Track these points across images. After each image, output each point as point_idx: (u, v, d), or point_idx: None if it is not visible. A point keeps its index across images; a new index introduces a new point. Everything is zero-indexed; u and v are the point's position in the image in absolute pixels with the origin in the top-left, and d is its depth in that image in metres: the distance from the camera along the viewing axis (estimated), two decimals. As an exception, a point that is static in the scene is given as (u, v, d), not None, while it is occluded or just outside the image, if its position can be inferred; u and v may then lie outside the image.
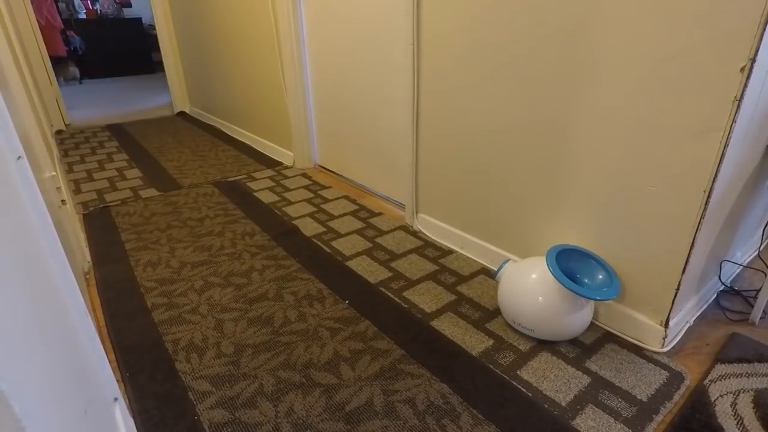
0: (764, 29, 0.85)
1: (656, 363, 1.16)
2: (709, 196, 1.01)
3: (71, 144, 3.23)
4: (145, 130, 3.59)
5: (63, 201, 1.56)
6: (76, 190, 2.37)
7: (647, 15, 1.00)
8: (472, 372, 1.14)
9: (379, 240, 1.81)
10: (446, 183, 1.70)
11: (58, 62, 5.23)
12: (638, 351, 1.21)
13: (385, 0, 1.78)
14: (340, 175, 2.49)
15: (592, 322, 1.28)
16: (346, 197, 2.23)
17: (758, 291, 1.32)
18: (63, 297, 0.72)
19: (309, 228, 1.92)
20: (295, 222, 1.97)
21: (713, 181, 0.99)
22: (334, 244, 1.78)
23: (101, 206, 2.15)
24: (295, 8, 2.27)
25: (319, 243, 1.79)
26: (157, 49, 4.03)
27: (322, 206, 2.13)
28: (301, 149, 2.61)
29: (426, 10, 1.54)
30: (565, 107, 1.23)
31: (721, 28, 0.90)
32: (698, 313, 1.34)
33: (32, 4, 3.39)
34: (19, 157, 0.64)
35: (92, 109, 4.40)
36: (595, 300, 1.19)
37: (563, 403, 1.05)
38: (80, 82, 5.92)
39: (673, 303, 1.14)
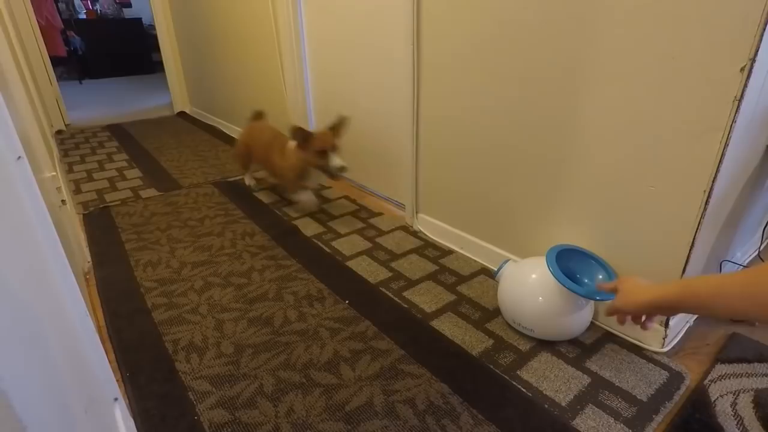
0: (764, 29, 0.85)
1: (656, 363, 1.16)
2: (709, 196, 1.01)
3: (71, 144, 3.23)
4: (145, 130, 3.59)
5: (63, 201, 1.56)
6: (76, 190, 2.37)
7: (647, 15, 1.00)
8: (472, 372, 1.14)
9: (379, 240, 1.81)
10: (446, 183, 1.70)
11: (58, 62, 5.23)
12: (638, 351, 1.21)
13: (386, 1, 1.78)
14: (340, 175, 2.49)
15: (592, 322, 1.28)
16: (346, 197, 2.23)
17: (758, 291, 1.31)
18: (63, 297, 0.72)
19: (309, 228, 1.92)
20: (295, 222, 1.97)
21: (713, 181, 0.99)
22: (334, 244, 1.78)
23: (101, 206, 2.15)
24: (294, 8, 2.26)
25: (319, 243, 1.79)
26: (157, 49, 4.03)
27: (322, 206, 2.13)
28: (301, 149, 2.61)
29: (426, 10, 1.54)
30: (564, 107, 1.23)
31: (721, 28, 0.90)
32: (698, 313, 1.34)
33: (32, 4, 3.39)
34: (19, 157, 0.64)
35: (92, 109, 4.40)
36: (595, 300, 1.19)
37: (563, 403, 1.05)
38: (80, 82, 5.92)
39: (673, 303, 1.14)
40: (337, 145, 1.83)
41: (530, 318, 1.22)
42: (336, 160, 1.77)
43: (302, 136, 1.78)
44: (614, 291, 0.94)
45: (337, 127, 1.85)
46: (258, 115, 2.35)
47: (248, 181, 2.39)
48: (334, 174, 1.81)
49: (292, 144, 1.87)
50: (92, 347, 0.80)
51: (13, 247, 0.54)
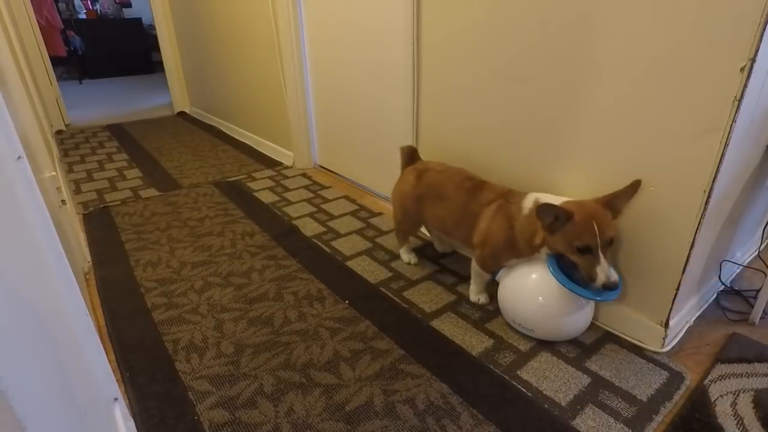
0: (764, 29, 0.85)
1: (656, 363, 1.16)
2: (709, 196, 1.01)
3: (71, 144, 3.23)
4: (145, 130, 3.59)
5: (63, 201, 1.56)
6: (76, 190, 2.37)
7: (647, 15, 1.00)
8: (472, 372, 1.14)
9: (379, 240, 1.81)
10: (446, 183, 1.70)
11: (58, 62, 5.23)
12: (638, 351, 1.21)
13: (385, 1, 1.78)
14: (340, 175, 2.49)
15: (592, 322, 1.28)
16: (346, 197, 2.23)
17: (758, 291, 1.32)
18: (63, 297, 0.72)
19: (309, 228, 1.92)
20: (295, 222, 1.97)
21: (713, 181, 0.99)
22: (334, 244, 1.78)
23: (101, 206, 2.15)
24: (295, 9, 2.27)
25: (319, 243, 1.79)
26: (157, 49, 4.03)
27: (322, 206, 2.13)
28: (301, 149, 2.61)
29: (426, 11, 1.54)
30: (564, 106, 1.22)
31: (721, 28, 0.90)
32: (698, 313, 1.34)
33: (32, 4, 3.39)
34: (19, 157, 0.64)
35: (92, 109, 4.40)
36: (596, 300, 1.19)
37: (563, 403, 1.05)
38: (80, 82, 5.91)
39: (673, 303, 1.14)
40: (616, 235, 1.13)
41: (530, 318, 1.22)
42: (604, 270, 1.07)
43: (555, 215, 1.08)
44: None
45: (619, 200, 1.11)
46: (411, 153, 1.58)
47: (408, 257, 1.64)
48: (592, 285, 1.09)
49: (526, 207, 1.20)
50: (92, 347, 0.80)
51: (13, 247, 0.54)
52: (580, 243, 1.07)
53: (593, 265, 1.07)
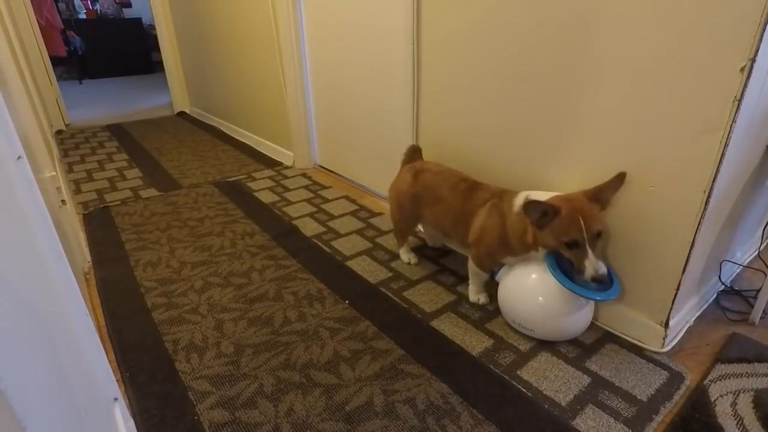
0: (764, 29, 0.85)
1: (656, 363, 1.16)
2: (709, 196, 1.01)
3: (71, 144, 3.23)
4: (145, 130, 3.59)
5: (63, 201, 1.56)
6: (76, 190, 2.37)
7: (647, 14, 1.00)
8: (472, 372, 1.14)
9: (379, 240, 1.81)
10: (446, 183, 1.70)
11: (58, 62, 5.23)
12: (638, 351, 1.21)
13: (385, 1, 1.78)
14: (340, 175, 2.49)
15: (592, 322, 1.28)
16: (346, 197, 2.23)
17: (758, 291, 1.32)
18: (63, 297, 0.72)
19: (309, 228, 1.92)
20: (295, 222, 1.97)
21: (713, 181, 0.99)
22: (334, 244, 1.78)
23: (101, 206, 2.15)
24: (295, 9, 2.27)
25: (319, 243, 1.79)
26: (157, 49, 4.03)
27: (322, 206, 2.13)
28: (301, 149, 2.61)
29: (426, 11, 1.54)
30: (564, 106, 1.22)
31: (721, 28, 0.90)
32: (698, 313, 1.34)
33: (32, 4, 3.39)
34: (19, 157, 0.64)
35: (92, 109, 4.40)
36: (595, 300, 1.19)
37: (563, 403, 1.05)
38: (80, 82, 5.92)
39: (673, 303, 1.14)
40: (604, 228, 1.13)
41: (530, 318, 1.22)
42: (592, 263, 1.07)
43: (542, 211, 1.09)
44: None
45: (606, 192, 1.12)
46: (415, 153, 1.61)
47: (407, 256, 1.64)
48: (581, 279, 1.11)
49: (517, 205, 1.21)
50: (92, 347, 0.80)
51: (13, 247, 0.54)
52: (567, 238, 1.09)
53: (581, 258, 1.09)
